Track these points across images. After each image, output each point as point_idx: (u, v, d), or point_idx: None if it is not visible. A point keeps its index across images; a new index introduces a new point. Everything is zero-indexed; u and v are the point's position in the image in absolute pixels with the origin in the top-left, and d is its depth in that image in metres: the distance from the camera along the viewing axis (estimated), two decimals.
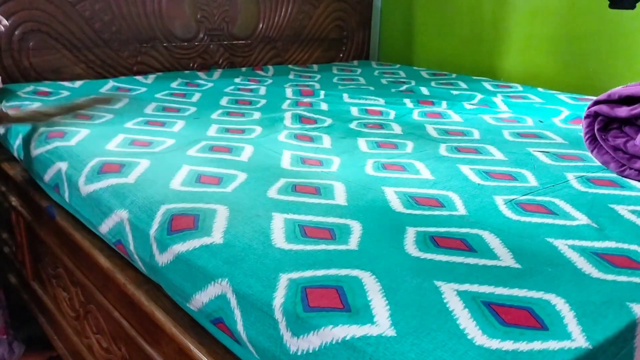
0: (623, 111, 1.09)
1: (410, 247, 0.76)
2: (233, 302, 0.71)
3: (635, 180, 1.07)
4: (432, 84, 2.03)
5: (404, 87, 1.97)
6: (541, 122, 1.52)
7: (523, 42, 2.16)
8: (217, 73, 2.09)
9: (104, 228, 0.99)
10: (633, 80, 1.54)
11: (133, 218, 0.90)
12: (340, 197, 0.94)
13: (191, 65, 2.16)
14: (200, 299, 0.76)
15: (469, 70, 2.30)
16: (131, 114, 1.44)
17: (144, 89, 1.77)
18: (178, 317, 0.85)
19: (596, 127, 1.15)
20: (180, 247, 0.80)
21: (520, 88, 1.95)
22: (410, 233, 0.81)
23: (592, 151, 1.16)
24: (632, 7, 1.82)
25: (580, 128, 1.25)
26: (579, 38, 1.99)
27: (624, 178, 1.09)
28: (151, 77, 1.94)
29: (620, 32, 1.87)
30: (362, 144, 1.27)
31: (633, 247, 0.79)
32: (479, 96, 1.78)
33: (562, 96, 1.81)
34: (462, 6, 2.35)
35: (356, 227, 0.82)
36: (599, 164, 1.15)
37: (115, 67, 1.97)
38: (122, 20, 1.95)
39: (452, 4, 2.38)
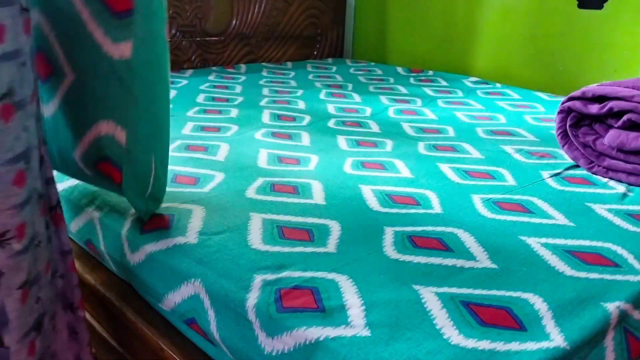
0: (595, 108, 1.11)
1: (389, 249, 0.76)
2: (206, 302, 0.70)
3: (604, 177, 1.09)
4: (411, 80, 2.03)
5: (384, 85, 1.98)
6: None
7: (495, 41, 2.18)
8: (189, 71, 2.06)
9: (73, 227, 0.96)
10: (603, 79, 1.56)
11: (104, 217, 0.88)
12: (318, 196, 0.93)
13: None
14: (172, 299, 0.75)
15: (442, 69, 2.31)
16: None
17: None
18: (150, 318, 0.83)
19: (568, 123, 1.16)
20: (153, 247, 0.78)
21: (498, 85, 1.97)
22: (389, 233, 0.80)
23: (563, 146, 1.18)
24: (600, 7, 1.86)
25: (552, 125, 1.26)
26: (548, 37, 2.01)
27: (593, 175, 1.10)
28: None
29: (588, 32, 1.90)
30: (341, 142, 1.27)
31: (607, 245, 0.80)
32: (461, 93, 1.80)
33: (541, 94, 1.83)
34: (435, 5, 2.36)
35: (335, 228, 0.81)
36: (570, 161, 1.16)
37: None
38: None
39: (426, 3, 2.39)
